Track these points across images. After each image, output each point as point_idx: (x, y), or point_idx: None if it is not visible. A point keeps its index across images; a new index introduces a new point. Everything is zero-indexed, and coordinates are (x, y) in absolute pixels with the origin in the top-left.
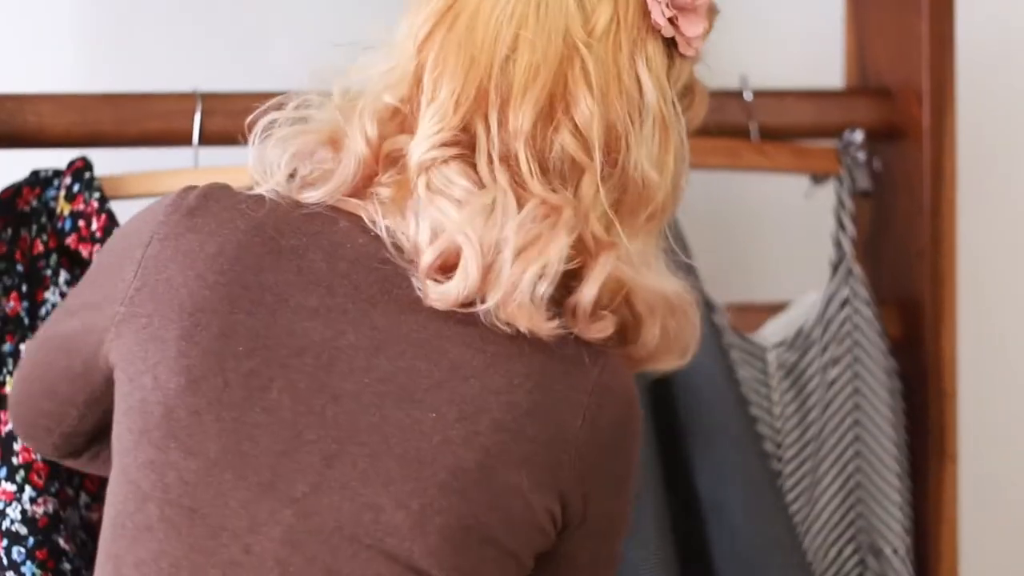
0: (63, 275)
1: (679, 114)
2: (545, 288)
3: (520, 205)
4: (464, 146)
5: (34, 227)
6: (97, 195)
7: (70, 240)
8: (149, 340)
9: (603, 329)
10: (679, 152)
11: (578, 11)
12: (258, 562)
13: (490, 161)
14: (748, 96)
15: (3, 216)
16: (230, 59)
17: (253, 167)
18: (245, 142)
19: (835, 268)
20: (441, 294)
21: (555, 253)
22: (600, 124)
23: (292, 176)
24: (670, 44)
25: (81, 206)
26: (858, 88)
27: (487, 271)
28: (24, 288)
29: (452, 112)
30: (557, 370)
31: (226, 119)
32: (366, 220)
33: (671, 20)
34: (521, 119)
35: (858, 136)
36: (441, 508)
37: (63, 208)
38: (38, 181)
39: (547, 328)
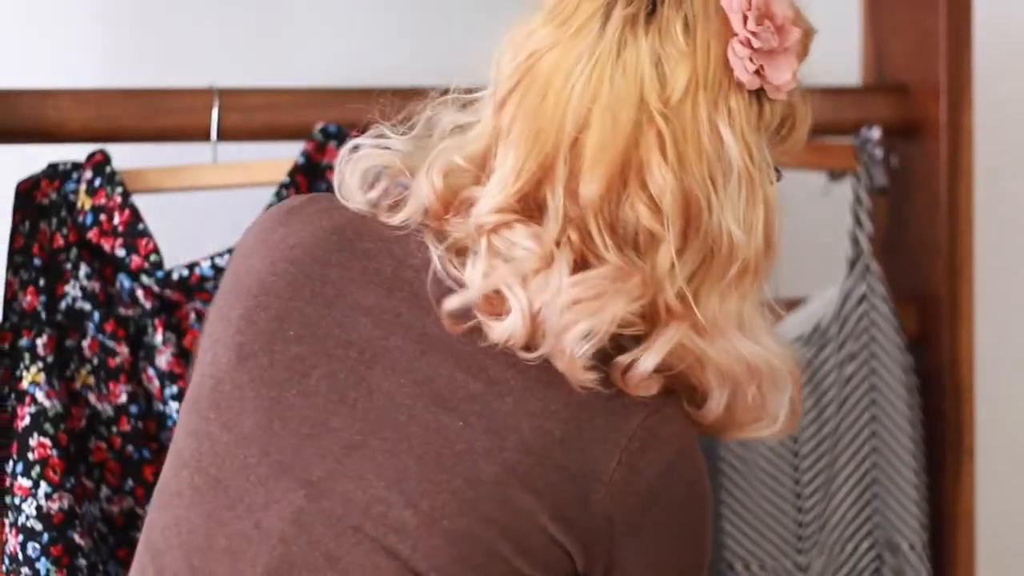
0: (83, 269)
1: (768, 163)
2: (587, 349)
3: (587, 268)
4: (530, 211)
5: (54, 220)
6: (120, 190)
7: (91, 234)
8: (219, 320)
9: (647, 388)
10: (769, 204)
11: (654, 77)
12: (264, 538)
13: (558, 229)
14: None
15: (21, 209)
16: (248, 55)
17: (337, 189)
18: (262, 138)
19: (852, 265)
20: (488, 329)
21: (609, 314)
22: (676, 193)
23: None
24: (759, 91)
25: (103, 200)
26: (875, 85)
27: (535, 329)
28: (41, 282)
29: (512, 183)
30: (601, 406)
31: (243, 115)
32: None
33: (757, 72)
34: (590, 192)
35: (875, 133)
36: (450, 513)
37: (84, 202)
38: (56, 174)
39: (584, 379)
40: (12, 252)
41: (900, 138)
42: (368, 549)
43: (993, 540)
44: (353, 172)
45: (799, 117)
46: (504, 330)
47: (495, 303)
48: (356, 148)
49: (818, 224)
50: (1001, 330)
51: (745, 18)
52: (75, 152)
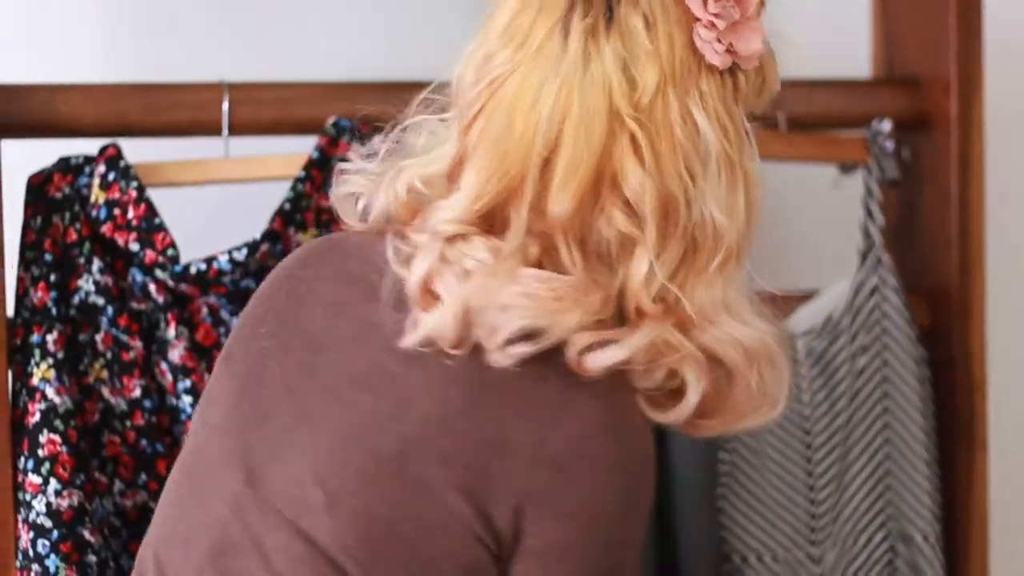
0: (96, 263)
1: (748, 136)
2: (526, 350)
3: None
4: (492, 227)
5: (67, 215)
6: (135, 184)
7: (105, 228)
8: None
9: (598, 373)
10: (750, 180)
11: (623, 82)
12: (210, 523)
13: (518, 243)
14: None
15: (33, 203)
16: (258, 49)
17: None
18: (273, 133)
19: (864, 257)
20: (419, 322)
21: (562, 323)
22: (654, 194)
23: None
24: (731, 67)
25: (117, 195)
26: (886, 78)
27: (466, 326)
28: (53, 278)
29: (473, 203)
30: (513, 375)
31: (253, 109)
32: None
33: (727, 50)
34: (561, 209)
35: (886, 126)
36: (352, 491)
37: (98, 196)
38: (69, 168)
39: (505, 362)
40: (24, 247)
41: (911, 131)
42: (286, 533)
43: (1005, 531)
44: (338, 200)
45: (768, 68)
46: (432, 324)
47: (431, 299)
48: (346, 170)
49: (829, 216)
50: (1013, 323)
51: (704, 0)
52: (86, 147)
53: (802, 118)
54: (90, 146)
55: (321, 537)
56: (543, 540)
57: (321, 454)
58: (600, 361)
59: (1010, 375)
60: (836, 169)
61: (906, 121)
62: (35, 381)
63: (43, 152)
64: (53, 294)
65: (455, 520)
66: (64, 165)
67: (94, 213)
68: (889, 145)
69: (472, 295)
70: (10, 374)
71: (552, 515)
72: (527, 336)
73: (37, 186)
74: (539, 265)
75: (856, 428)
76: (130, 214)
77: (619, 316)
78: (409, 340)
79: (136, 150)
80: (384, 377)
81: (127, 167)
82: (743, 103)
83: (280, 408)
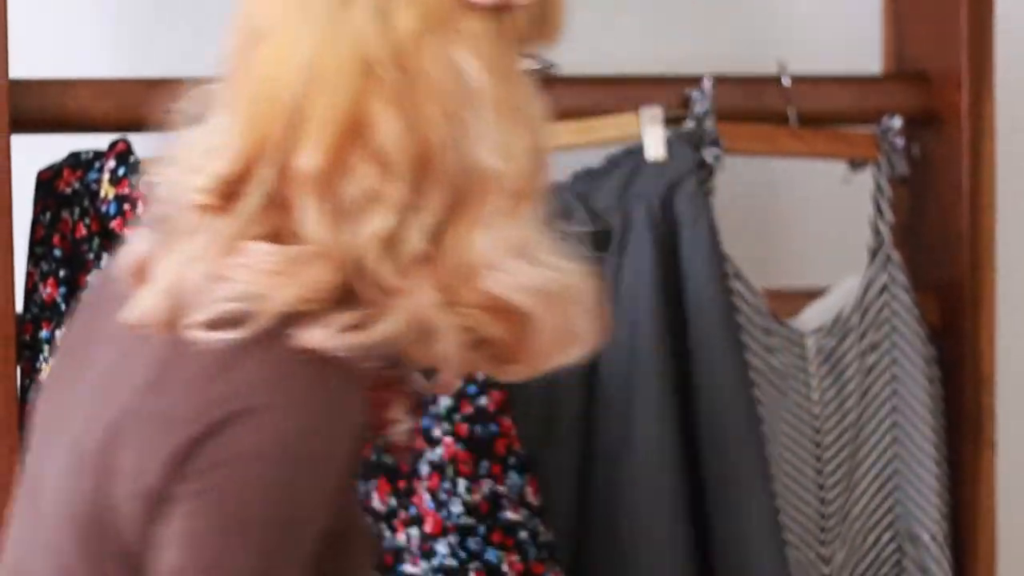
0: (105, 259)
1: (525, 78)
2: (227, 336)
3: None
4: (237, 196)
5: (76, 210)
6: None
7: (115, 224)
8: None
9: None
10: (532, 119)
11: (378, 30)
12: (10, 541)
13: (247, 217)
14: (786, 82)
15: (43, 198)
16: None
17: None
18: None
19: (873, 254)
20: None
21: (276, 299)
22: (410, 144)
23: None
24: (503, 5)
25: (127, 190)
26: (896, 74)
27: (176, 305)
28: (62, 273)
29: (219, 170)
30: (197, 348)
31: None
32: None
33: None
34: (309, 165)
35: (896, 122)
36: (70, 493)
37: (107, 191)
38: (79, 163)
39: (210, 338)
40: (33, 243)
41: (921, 127)
42: (41, 550)
43: (1014, 530)
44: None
45: (550, 2)
46: (141, 305)
47: (142, 280)
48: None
49: (839, 213)
50: (1023, 320)
51: None
52: (96, 142)
53: (812, 114)
54: (100, 141)
55: (58, 548)
56: (187, 505)
57: (60, 462)
58: (336, 342)
59: (1019, 373)
60: (846, 165)
61: (916, 117)
62: (43, 377)
63: (53, 147)
64: (62, 290)
65: (138, 503)
66: (74, 160)
67: (104, 208)
68: (899, 141)
69: (183, 272)
70: (19, 370)
71: (198, 474)
72: (232, 321)
73: (46, 181)
74: (276, 235)
75: (865, 427)
76: (140, 210)
77: (358, 285)
78: (123, 324)
79: (149, 146)
80: (105, 374)
81: (137, 162)
82: (521, 41)
83: (52, 420)
